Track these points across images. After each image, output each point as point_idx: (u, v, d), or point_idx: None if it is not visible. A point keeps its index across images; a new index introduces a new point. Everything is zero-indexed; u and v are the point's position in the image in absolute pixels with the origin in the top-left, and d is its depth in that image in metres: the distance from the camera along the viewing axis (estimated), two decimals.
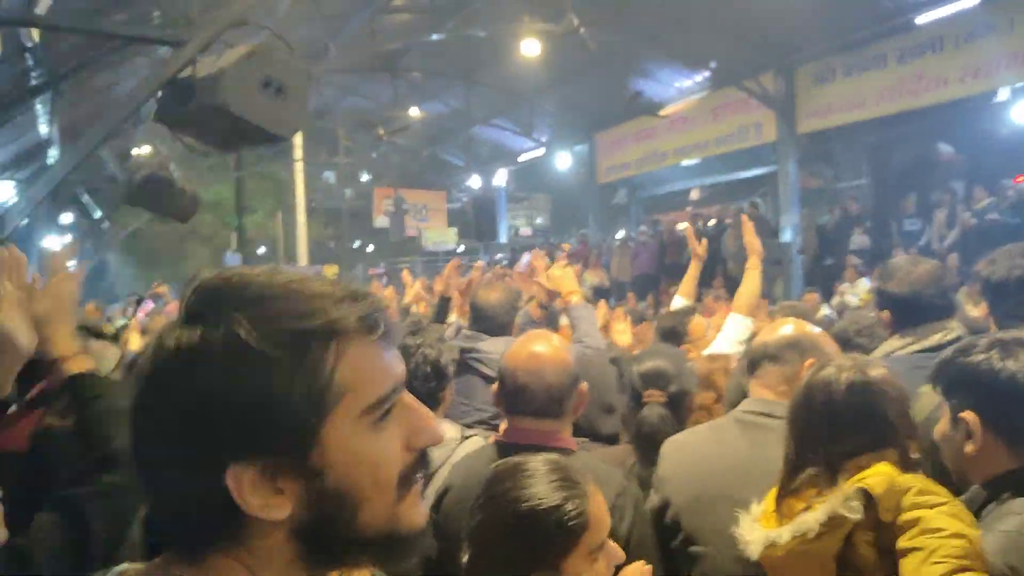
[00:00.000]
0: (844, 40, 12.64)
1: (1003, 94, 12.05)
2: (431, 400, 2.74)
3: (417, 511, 0.88)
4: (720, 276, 13.11)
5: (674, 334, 4.00)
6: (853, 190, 15.41)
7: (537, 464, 1.58)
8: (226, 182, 30.67)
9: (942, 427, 1.71)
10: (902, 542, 1.48)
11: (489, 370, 3.40)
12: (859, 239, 12.92)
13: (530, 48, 14.12)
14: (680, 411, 2.54)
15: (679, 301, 4.36)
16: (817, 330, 2.31)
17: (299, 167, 28.03)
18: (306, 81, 5.41)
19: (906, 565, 1.45)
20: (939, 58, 11.65)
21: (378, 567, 0.91)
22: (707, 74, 15.00)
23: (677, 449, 2.25)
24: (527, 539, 1.48)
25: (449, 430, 2.65)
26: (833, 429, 1.65)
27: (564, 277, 3.75)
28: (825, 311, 10.04)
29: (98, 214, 20.04)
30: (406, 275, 5.48)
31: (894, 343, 2.57)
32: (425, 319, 5.36)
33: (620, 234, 19.85)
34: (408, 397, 0.89)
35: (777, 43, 13.49)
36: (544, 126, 20.40)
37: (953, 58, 11.47)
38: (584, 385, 2.19)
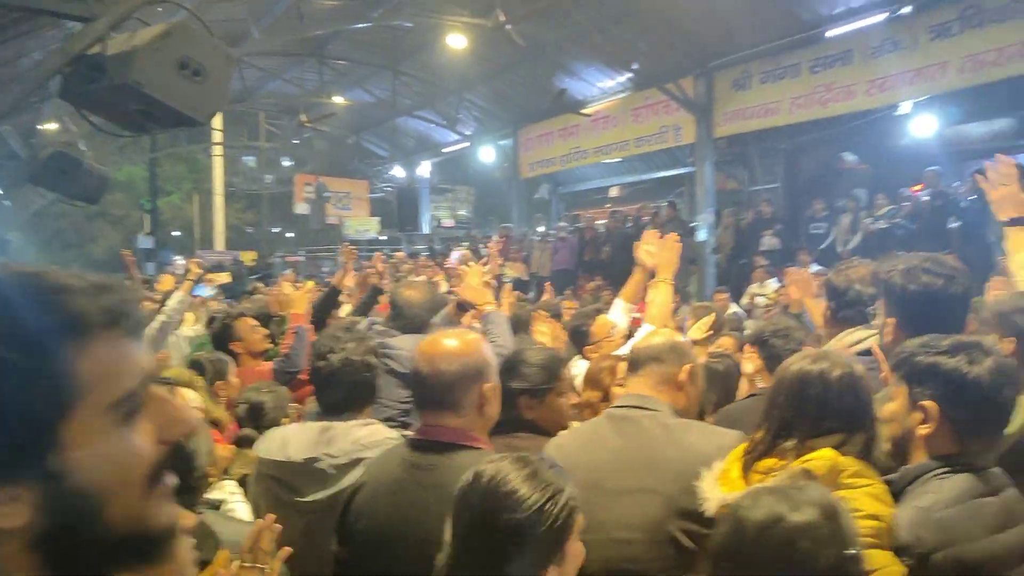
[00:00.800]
0: (761, 48, 13.06)
1: (905, 107, 12.68)
2: (369, 392, 2.82)
3: (167, 509, 0.84)
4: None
5: (579, 334, 4.11)
6: (766, 193, 15.94)
7: (510, 468, 1.64)
8: (140, 163, 29.66)
9: (894, 408, 1.95)
10: None
11: (398, 366, 3.44)
12: (770, 240, 13.38)
13: (457, 41, 14.14)
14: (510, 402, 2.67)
15: (619, 305, 4.15)
16: (682, 339, 2.66)
17: (218, 150, 27.32)
18: (227, 64, 5.30)
19: None
20: (848, 70, 12.15)
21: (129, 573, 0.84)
22: (629, 75, 15.28)
23: (558, 447, 2.40)
24: (542, 538, 1.55)
25: (385, 431, 2.68)
26: (821, 413, 1.90)
27: (478, 291, 3.79)
28: (734, 309, 10.40)
29: None
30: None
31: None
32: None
33: (540, 228, 20.04)
34: (159, 389, 0.85)
35: (697, 48, 13.84)
36: (469, 119, 20.43)
37: (860, 71, 11.98)
38: (488, 385, 2.16)
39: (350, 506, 2.19)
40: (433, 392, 2.12)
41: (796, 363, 2.00)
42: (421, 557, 1.92)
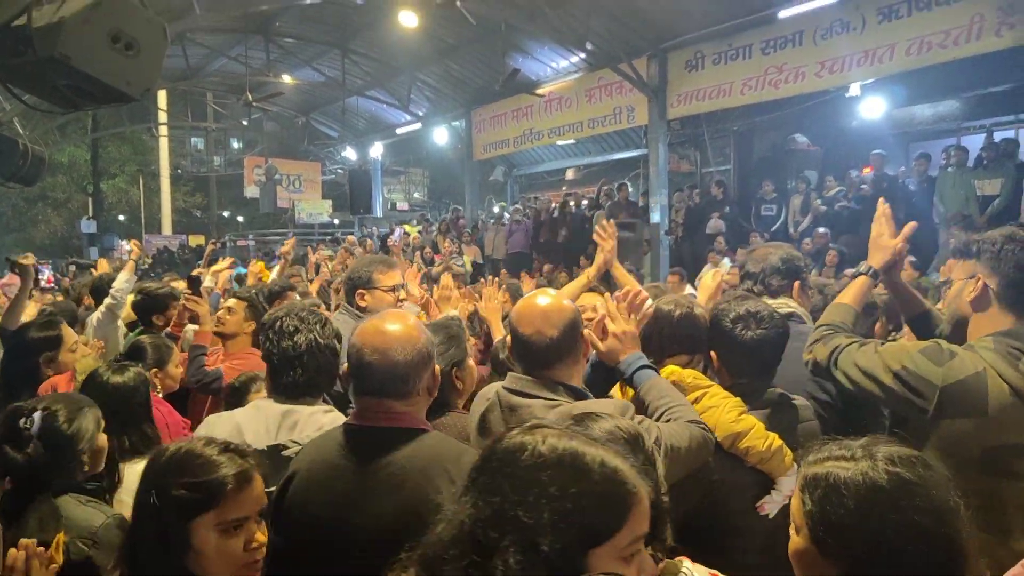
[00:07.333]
0: (713, 29, 13.06)
1: (854, 89, 12.80)
2: (330, 379, 2.76)
3: None
4: (586, 258, 13.30)
5: None
6: (719, 174, 16.02)
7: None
8: (82, 144, 28.78)
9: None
10: (701, 404, 2.37)
11: None
12: (715, 223, 13.42)
13: (408, 19, 13.89)
14: None
15: None
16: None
17: (163, 130, 26.63)
18: (162, 37, 5.08)
19: (714, 415, 2.33)
20: (798, 52, 12.21)
21: None
22: (583, 55, 15.18)
23: None
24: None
25: (328, 419, 2.58)
26: (669, 339, 2.59)
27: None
28: (689, 290, 10.42)
29: None
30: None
31: None
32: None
33: (496, 209, 19.96)
34: None
35: (651, 28, 13.80)
36: (421, 99, 20.17)
37: (811, 53, 12.05)
38: (438, 367, 2.13)
39: (284, 495, 2.08)
40: (379, 380, 2.02)
41: (653, 305, 2.59)
42: (360, 543, 1.86)
